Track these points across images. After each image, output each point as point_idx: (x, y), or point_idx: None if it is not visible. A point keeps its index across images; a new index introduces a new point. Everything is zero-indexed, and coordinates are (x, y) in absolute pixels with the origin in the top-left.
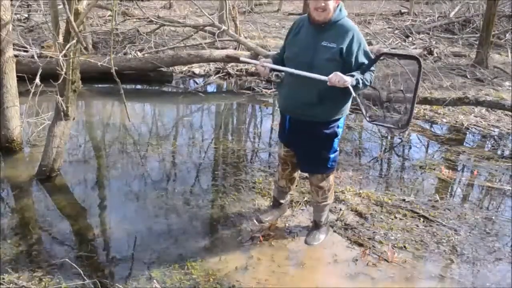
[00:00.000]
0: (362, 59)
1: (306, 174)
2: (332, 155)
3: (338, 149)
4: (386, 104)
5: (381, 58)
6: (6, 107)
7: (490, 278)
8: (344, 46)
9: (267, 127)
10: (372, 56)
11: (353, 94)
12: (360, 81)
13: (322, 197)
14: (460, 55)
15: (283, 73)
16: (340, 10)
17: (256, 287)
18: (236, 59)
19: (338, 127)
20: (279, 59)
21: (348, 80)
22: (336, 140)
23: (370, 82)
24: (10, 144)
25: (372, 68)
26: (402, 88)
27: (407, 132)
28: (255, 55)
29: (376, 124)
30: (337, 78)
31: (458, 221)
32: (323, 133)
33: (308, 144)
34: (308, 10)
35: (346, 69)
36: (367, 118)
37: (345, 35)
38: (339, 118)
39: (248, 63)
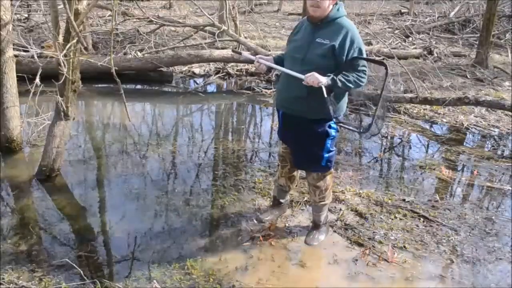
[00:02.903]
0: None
1: (305, 174)
2: (326, 155)
3: (333, 149)
4: (386, 104)
5: (354, 61)
6: (6, 107)
7: (490, 278)
8: (337, 43)
9: (267, 127)
10: (365, 54)
11: (325, 95)
12: (339, 82)
13: (320, 197)
14: (460, 55)
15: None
16: (338, 9)
17: (256, 287)
18: (238, 53)
19: (330, 127)
20: (280, 59)
21: (322, 81)
22: (328, 140)
23: (356, 83)
24: (10, 144)
25: (363, 69)
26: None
27: (407, 132)
28: (255, 56)
29: (341, 126)
30: (312, 78)
31: (458, 221)
32: (314, 131)
33: (300, 140)
34: (307, 8)
35: (338, 65)
36: (333, 119)
37: (339, 33)
38: (332, 118)
39: (247, 57)
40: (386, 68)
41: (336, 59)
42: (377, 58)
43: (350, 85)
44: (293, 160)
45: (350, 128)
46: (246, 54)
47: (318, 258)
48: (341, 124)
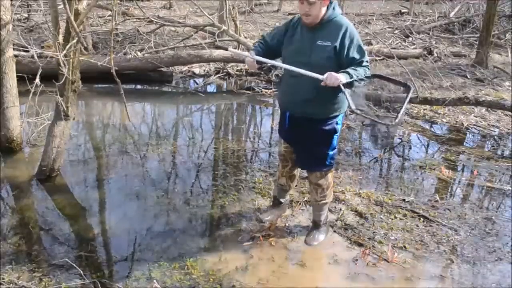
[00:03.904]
0: (354, 54)
1: (305, 174)
2: (330, 152)
3: (336, 146)
4: (386, 104)
5: (373, 79)
6: (6, 107)
7: (490, 278)
8: (338, 43)
9: (267, 127)
10: (365, 50)
11: (343, 89)
12: (354, 76)
13: (321, 196)
14: (460, 55)
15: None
16: (334, 8)
17: (256, 287)
18: (224, 49)
19: (337, 123)
20: (262, 50)
21: (342, 79)
22: (335, 137)
23: (365, 76)
24: (10, 144)
25: (367, 64)
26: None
27: (407, 132)
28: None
29: (362, 116)
30: (332, 78)
31: (458, 221)
32: (322, 130)
33: (308, 141)
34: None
35: (341, 65)
36: (354, 109)
37: (338, 32)
38: (338, 115)
39: (237, 54)
40: (408, 90)
41: (337, 58)
42: (401, 81)
43: (362, 77)
44: (299, 161)
45: (371, 118)
46: (234, 50)
47: (318, 258)
48: (362, 114)
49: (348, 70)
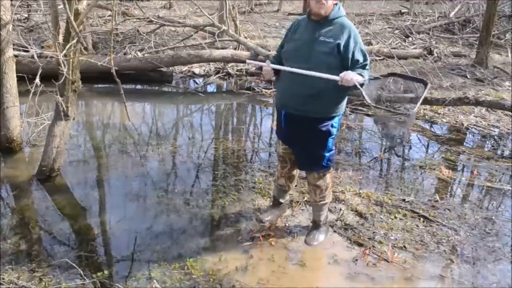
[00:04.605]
0: (358, 56)
1: (305, 174)
2: (327, 154)
3: (333, 148)
4: (386, 104)
5: (390, 78)
6: (6, 107)
7: (490, 278)
8: (342, 42)
9: (267, 127)
10: (367, 54)
11: (358, 86)
12: (366, 77)
13: (320, 196)
14: (460, 55)
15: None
16: (339, 8)
17: (256, 287)
18: (241, 61)
19: (332, 126)
20: (277, 62)
21: (358, 79)
22: (330, 139)
23: (369, 78)
24: (10, 144)
25: (368, 67)
26: (403, 89)
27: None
28: (255, 55)
29: (381, 108)
30: (348, 76)
31: (458, 221)
32: (317, 130)
33: (303, 141)
34: (309, 6)
35: (344, 65)
36: (369, 102)
37: (342, 32)
38: (334, 117)
39: (255, 64)
40: (426, 84)
41: (340, 57)
42: (416, 76)
43: (368, 79)
44: (297, 162)
45: (392, 110)
46: (252, 61)
47: (318, 258)
48: (381, 107)
49: (362, 73)
